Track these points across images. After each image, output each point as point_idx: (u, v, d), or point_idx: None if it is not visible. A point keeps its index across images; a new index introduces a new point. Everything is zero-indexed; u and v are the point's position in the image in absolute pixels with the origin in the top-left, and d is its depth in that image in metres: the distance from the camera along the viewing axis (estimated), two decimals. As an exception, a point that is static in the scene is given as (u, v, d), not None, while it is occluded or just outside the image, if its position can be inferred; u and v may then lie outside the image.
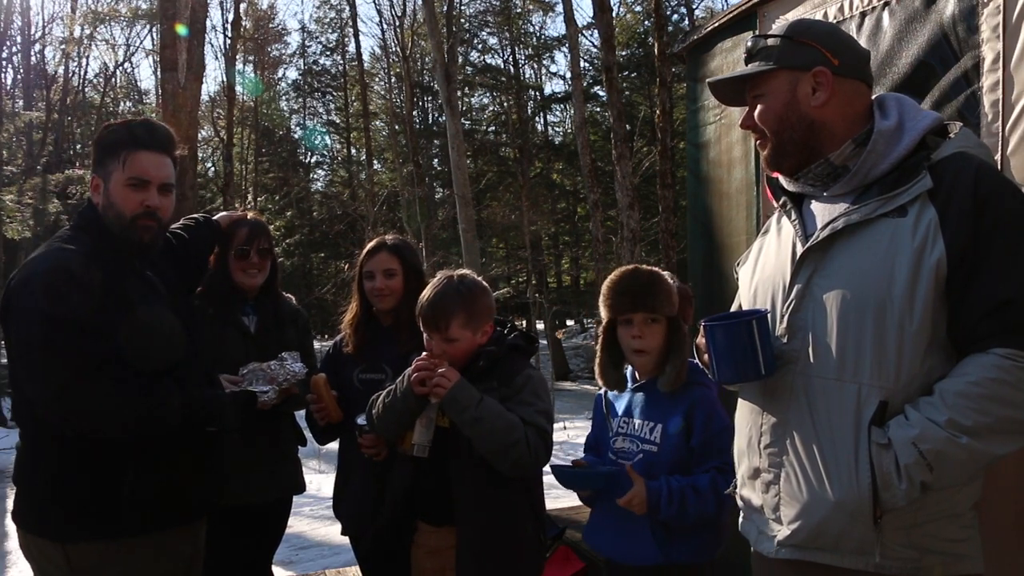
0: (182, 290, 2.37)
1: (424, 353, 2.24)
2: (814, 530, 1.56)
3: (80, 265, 1.96)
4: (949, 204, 1.49)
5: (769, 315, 1.67)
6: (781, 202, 1.77)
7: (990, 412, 1.41)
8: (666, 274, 2.28)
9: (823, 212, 1.66)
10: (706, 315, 1.77)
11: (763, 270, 1.77)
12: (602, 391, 2.40)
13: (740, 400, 1.79)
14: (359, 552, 2.83)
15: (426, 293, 2.30)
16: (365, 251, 2.87)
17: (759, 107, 1.70)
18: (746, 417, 1.75)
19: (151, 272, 2.18)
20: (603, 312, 2.27)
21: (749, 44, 1.73)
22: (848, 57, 1.66)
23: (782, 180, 1.77)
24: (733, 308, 1.93)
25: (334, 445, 2.93)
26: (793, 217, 1.71)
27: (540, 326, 24.58)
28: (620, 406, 2.30)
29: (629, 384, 2.31)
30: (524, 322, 28.47)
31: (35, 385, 1.91)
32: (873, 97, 1.70)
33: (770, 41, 1.69)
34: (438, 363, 2.18)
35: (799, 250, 1.65)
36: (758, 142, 1.75)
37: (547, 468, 2.25)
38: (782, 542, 1.62)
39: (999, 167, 2.08)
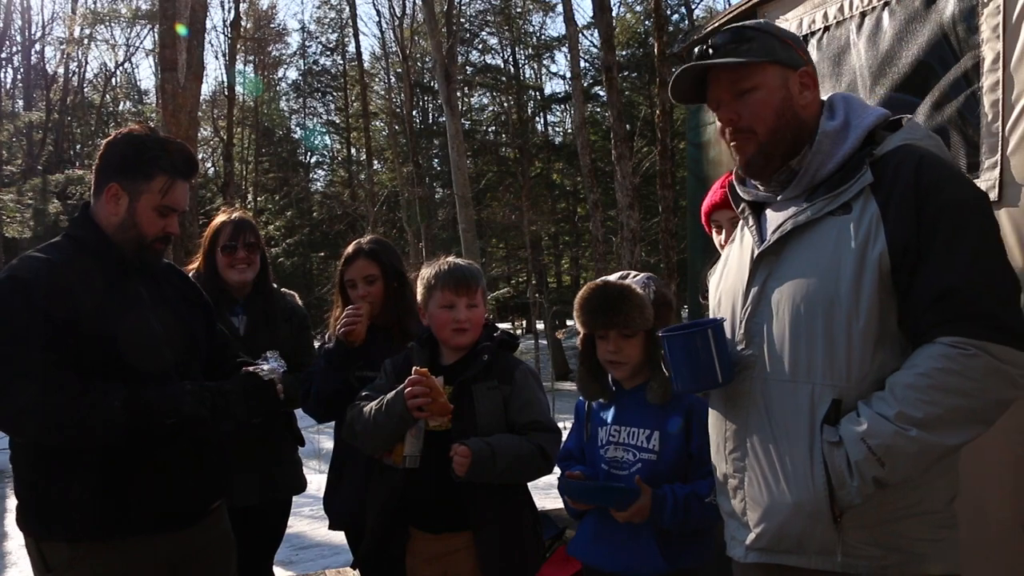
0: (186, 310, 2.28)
1: (414, 372, 2.19)
2: (777, 533, 1.56)
3: (34, 274, 1.94)
4: (890, 197, 1.49)
5: (726, 322, 1.67)
6: (740, 209, 1.76)
7: (939, 402, 1.40)
8: (638, 278, 2.22)
9: (776, 217, 1.66)
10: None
11: (726, 279, 1.77)
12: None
13: (709, 408, 1.80)
14: (356, 552, 2.82)
15: (441, 268, 2.35)
16: (343, 258, 2.81)
17: (752, 100, 1.62)
18: (714, 424, 1.76)
19: (146, 281, 2.14)
20: (578, 326, 2.22)
21: (721, 36, 1.65)
22: (809, 61, 1.68)
23: (738, 189, 1.76)
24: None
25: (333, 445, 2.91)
26: (751, 224, 1.70)
27: (540, 326, 24.58)
28: (607, 414, 2.23)
29: (613, 390, 2.24)
30: (524, 322, 28.50)
31: None
32: (824, 98, 1.69)
33: (750, 34, 1.65)
34: (431, 383, 2.16)
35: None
36: (734, 143, 1.67)
37: (554, 479, 2.23)
38: (749, 546, 1.62)
39: (999, 167, 2.07)
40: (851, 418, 1.47)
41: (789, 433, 1.53)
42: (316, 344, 3.27)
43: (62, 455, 1.97)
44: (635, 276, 2.25)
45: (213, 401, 2.08)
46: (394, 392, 2.22)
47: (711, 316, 1.83)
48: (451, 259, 2.41)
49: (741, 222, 1.78)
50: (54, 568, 1.99)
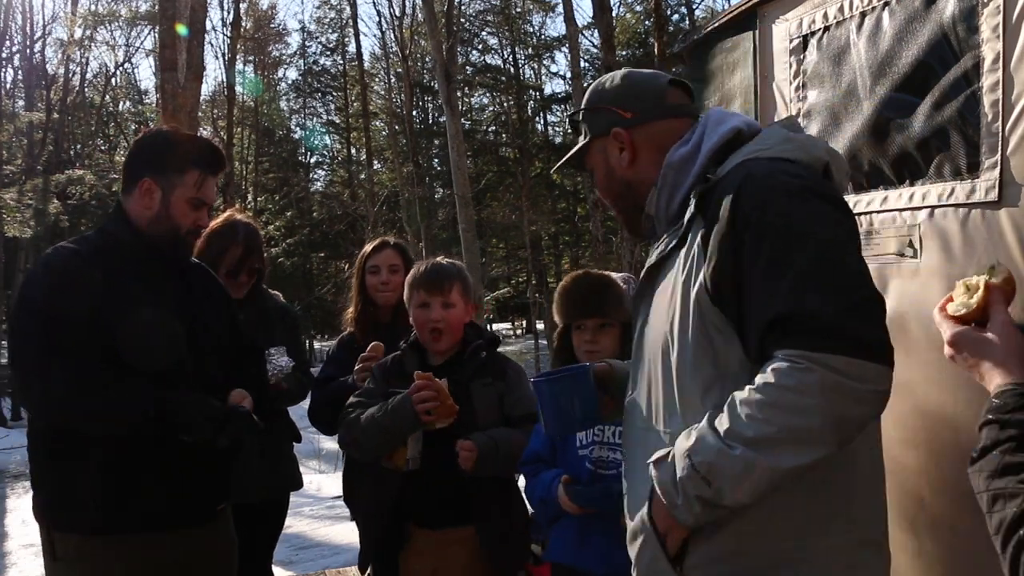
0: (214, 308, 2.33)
1: (416, 377, 2.23)
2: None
3: (63, 261, 2.06)
4: (711, 227, 1.36)
5: (592, 369, 1.70)
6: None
7: (772, 421, 1.23)
8: (620, 275, 2.27)
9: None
10: None
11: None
12: None
13: None
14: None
15: (420, 268, 2.44)
16: (371, 248, 3.02)
17: (596, 178, 1.69)
18: None
19: (173, 277, 2.20)
20: (557, 318, 2.25)
21: (568, 120, 1.75)
22: (638, 104, 1.59)
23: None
24: None
25: (333, 445, 2.93)
26: None
27: (540, 326, 24.59)
28: None
29: None
30: (524, 322, 28.52)
31: (12, 371, 2.08)
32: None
33: (579, 115, 1.68)
34: (437, 387, 2.20)
35: None
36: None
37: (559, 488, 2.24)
38: None
39: (999, 167, 2.07)
40: (686, 433, 1.34)
41: (640, 482, 1.44)
42: (316, 344, 3.28)
43: (72, 448, 2.02)
44: (616, 275, 2.31)
45: (233, 429, 2.10)
46: (399, 397, 2.24)
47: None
48: (437, 259, 2.48)
49: None
50: (61, 558, 2.03)
